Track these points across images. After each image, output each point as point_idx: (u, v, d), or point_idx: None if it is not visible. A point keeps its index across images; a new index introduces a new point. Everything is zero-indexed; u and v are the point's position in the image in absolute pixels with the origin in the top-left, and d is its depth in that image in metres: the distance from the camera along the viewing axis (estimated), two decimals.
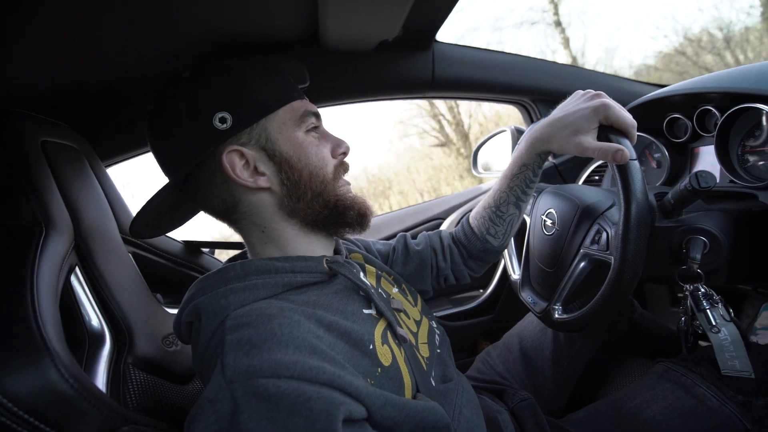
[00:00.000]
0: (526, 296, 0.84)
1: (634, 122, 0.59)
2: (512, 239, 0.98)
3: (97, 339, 0.59)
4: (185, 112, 0.52)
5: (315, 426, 0.37)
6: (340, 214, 0.57)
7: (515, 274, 0.92)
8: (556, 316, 0.72)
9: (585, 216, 0.71)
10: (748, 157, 0.76)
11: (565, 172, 1.21)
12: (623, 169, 0.57)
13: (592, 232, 0.69)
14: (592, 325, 0.65)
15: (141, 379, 0.58)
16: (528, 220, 0.89)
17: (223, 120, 0.52)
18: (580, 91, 0.65)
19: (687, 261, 0.61)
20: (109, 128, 0.83)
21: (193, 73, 0.55)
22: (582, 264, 0.70)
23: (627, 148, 0.56)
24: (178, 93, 0.53)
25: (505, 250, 0.98)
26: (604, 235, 0.66)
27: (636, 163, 0.57)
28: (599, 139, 0.60)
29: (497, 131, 1.30)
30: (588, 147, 0.59)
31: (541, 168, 0.69)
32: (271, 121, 0.54)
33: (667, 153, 0.91)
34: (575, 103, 0.63)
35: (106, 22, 0.55)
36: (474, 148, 1.39)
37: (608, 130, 0.59)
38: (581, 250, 0.70)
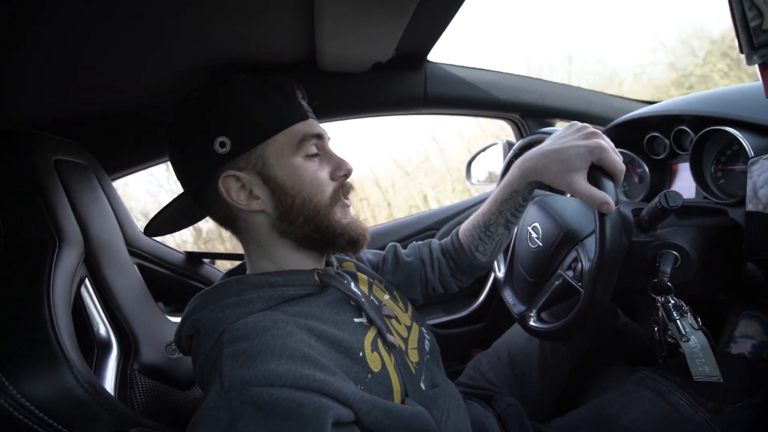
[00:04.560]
0: (507, 296, 0.88)
1: (623, 168, 0.60)
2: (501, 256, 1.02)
3: (105, 346, 0.63)
4: (193, 134, 0.55)
5: (306, 429, 0.41)
6: (330, 240, 0.59)
7: (500, 272, 0.96)
8: (531, 323, 0.76)
9: (566, 240, 0.75)
10: (720, 174, 0.81)
11: None
12: (602, 217, 0.59)
13: (570, 258, 0.73)
14: (562, 339, 0.69)
15: (146, 385, 0.61)
16: (514, 245, 0.93)
17: (222, 144, 0.54)
18: (578, 123, 0.65)
19: (658, 274, 0.65)
20: (116, 145, 0.87)
21: (201, 93, 0.57)
22: (557, 282, 0.74)
23: (610, 193, 0.58)
24: (188, 113, 0.56)
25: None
26: (579, 265, 0.70)
27: (616, 211, 0.59)
28: (588, 177, 0.61)
29: (489, 144, 1.34)
30: (577, 189, 0.60)
31: (531, 194, 0.70)
32: (269, 146, 0.56)
33: (647, 169, 0.95)
34: (571, 137, 0.63)
35: (114, 47, 0.59)
36: (468, 161, 1.44)
37: (597, 171, 0.60)
38: (558, 271, 0.74)
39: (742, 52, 0.41)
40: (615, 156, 0.60)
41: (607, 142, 0.61)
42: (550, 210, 0.83)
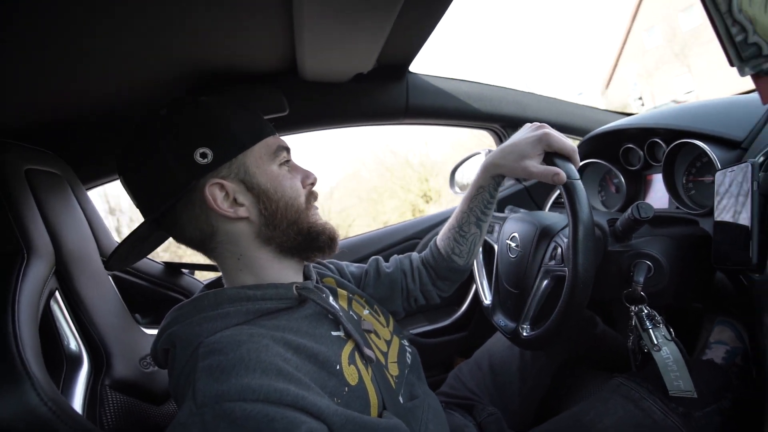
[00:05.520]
0: (498, 320, 0.87)
1: (574, 146, 0.67)
2: (483, 267, 1.01)
3: (75, 361, 0.61)
4: (166, 149, 0.54)
5: None
6: (312, 240, 0.61)
7: (487, 299, 0.96)
8: (524, 334, 0.75)
9: (543, 236, 0.78)
10: (692, 186, 0.83)
11: (535, 194, 1.27)
12: (568, 188, 0.63)
13: (550, 249, 0.75)
14: (557, 338, 0.68)
15: (118, 401, 0.60)
16: (495, 246, 0.94)
17: (204, 155, 0.54)
18: (529, 124, 0.73)
19: (632, 283, 0.66)
20: (91, 154, 0.85)
21: (170, 110, 0.57)
22: (544, 282, 0.74)
23: (569, 171, 0.64)
24: (157, 130, 0.55)
25: (476, 277, 1.01)
26: (560, 249, 0.71)
27: (579, 182, 0.64)
28: (546, 163, 0.67)
29: (473, 154, 1.36)
30: (532, 171, 0.67)
31: (497, 190, 0.75)
32: (249, 156, 0.57)
33: (623, 179, 0.97)
34: (523, 132, 0.72)
35: (90, 55, 0.59)
36: (451, 169, 1.45)
37: (553, 155, 0.67)
38: (542, 268, 0.75)
39: (732, 65, 0.43)
40: (562, 138, 0.68)
41: (551, 130, 0.68)
42: (525, 217, 0.86)
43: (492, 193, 0.75)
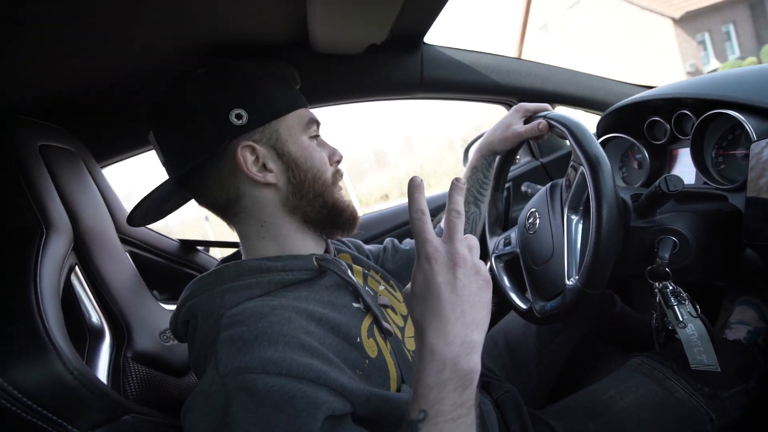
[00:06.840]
0: (542, 309, 0.74)
1: (545, 104, 0.81)
2: (506, 276, 0.89)
3: (97, 334, 0.62)
4: (202, 107, 0.54)
5: (296, 423, 0.40)
6: (336, 215, 0.62)
7: (523, 305, 0.81)
8: (570, 283, 0.66)
9: (553, 186, 0.80)
10: (721, 159, 0.79)
11: (551, 170, 1.24)
12: (552, 120, 0.72)
13: (564, 186, 0.76)
14: (603, 277, 0.61)
15: (140, 372, 0.61)
16: (517, 250, 0.85)
17: (239, 116, 0.55)
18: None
19: (656, 260, 0.64)
20: (104, 130, 0.85)
21: (208, 70, 0.57)
22: (573, 224, 0.70)
23: (546, 114, 0.75)
24: (194, 89, 0.55)
25: (506, 292, 0.87)
26: (572, 173, 0.72)
27: (555, 112, 0.75)
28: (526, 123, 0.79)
29: (484, 132, 1.33)
30: (521, 132, 0.78)
31: (489, 170, 0.84)
32: (282, 123, 0.58)
33: (647, 154, 0.94)
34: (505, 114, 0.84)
35: (100, 29, 0.57)
36: (466, 147, 1.42)
37: (533, 116, 0.79)
38: (564, 210, 0.71)
39: None
40: (533, 103, 0.81)
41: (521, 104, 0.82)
42: (538, 188, 0.88)
43: (485, 173, 0.82)
